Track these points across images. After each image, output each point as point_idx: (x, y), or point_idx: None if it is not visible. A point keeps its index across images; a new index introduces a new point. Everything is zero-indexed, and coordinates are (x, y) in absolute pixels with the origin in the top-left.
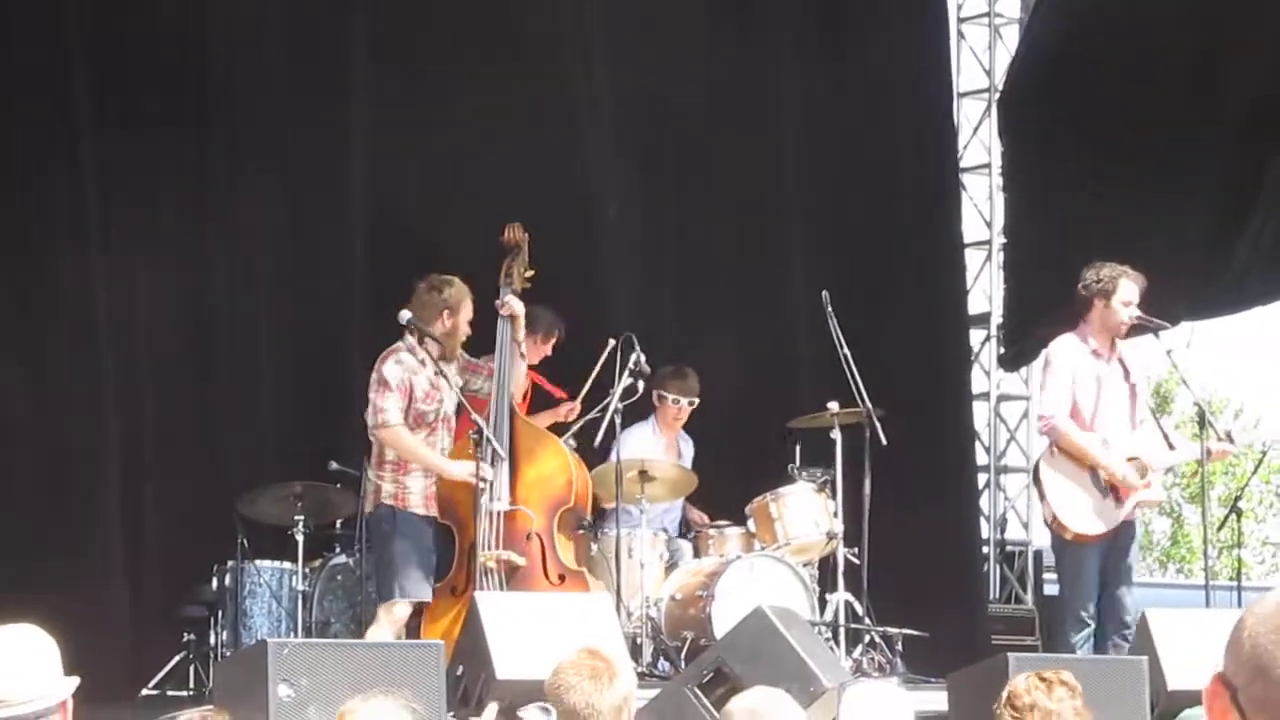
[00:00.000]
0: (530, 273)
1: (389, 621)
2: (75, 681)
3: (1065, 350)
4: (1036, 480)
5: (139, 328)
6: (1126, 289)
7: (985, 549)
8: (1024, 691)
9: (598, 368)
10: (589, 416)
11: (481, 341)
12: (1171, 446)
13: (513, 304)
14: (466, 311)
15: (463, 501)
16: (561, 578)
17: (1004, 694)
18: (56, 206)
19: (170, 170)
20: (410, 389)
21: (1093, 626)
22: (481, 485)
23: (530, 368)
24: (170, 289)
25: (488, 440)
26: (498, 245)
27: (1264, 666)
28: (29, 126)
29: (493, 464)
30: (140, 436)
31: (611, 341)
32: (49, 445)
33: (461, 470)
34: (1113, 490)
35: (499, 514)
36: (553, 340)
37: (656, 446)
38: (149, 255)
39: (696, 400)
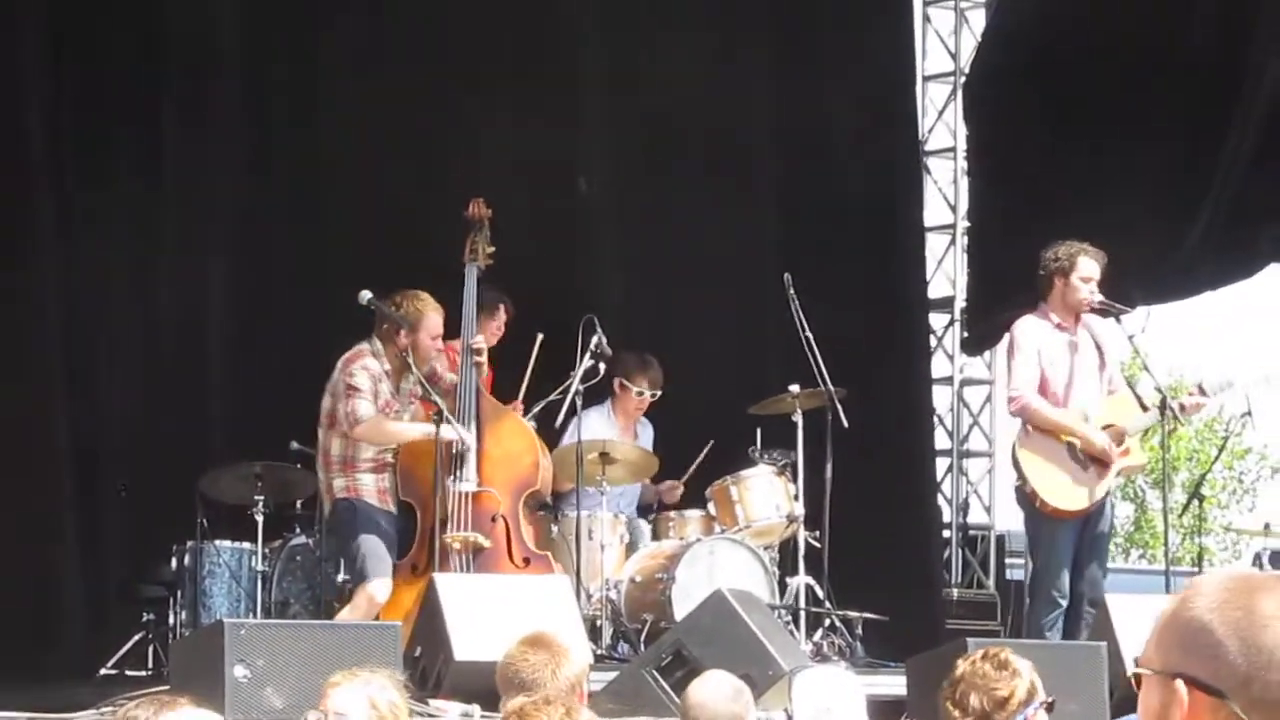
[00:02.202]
0: (491, 249)
1: (367, 602)
2: None
3: (1029, 329)
4: (1015, 463)
5: (95, 311)
6: (1086, 265)
7: (947, 533)
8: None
9: (530, 364)
10: (549, 399)
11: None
12: (1145, 409)
13: (482, 346)
14: (431, 329)
15: (425, 480)
16: (526, 561)
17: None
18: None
19: (126, 157)
20: (375, 395)
21: (1064, 606)
22: (465, 446)
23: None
24: (127, 276)
25: (448, 421)
26: (460, 219)
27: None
28: None
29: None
30: (96, 416)
31: (540, 336)
32: (4, 430)
33: (448, 431)
34: (1094, 462)
35: (466, 495)
36: (499, 316)
37: (611, 431)
38: (101, 242)
39: (660, 391)
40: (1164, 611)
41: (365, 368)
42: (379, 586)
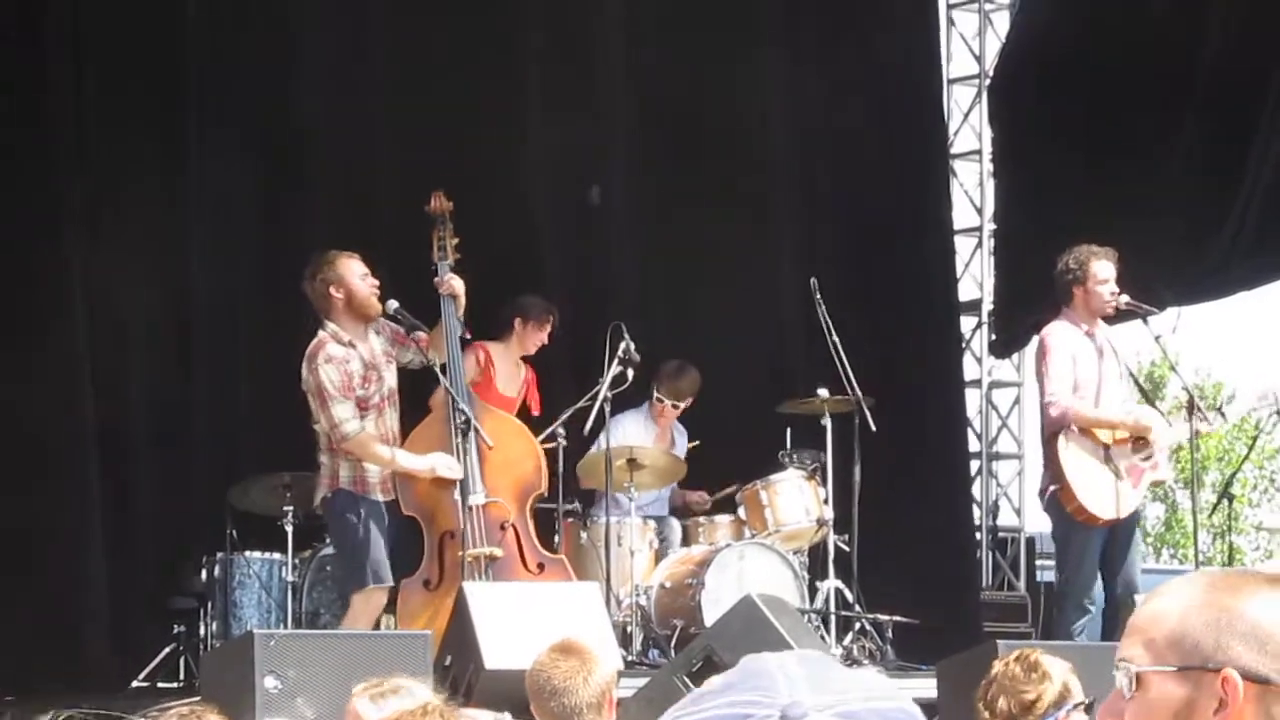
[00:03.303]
0: (456, 240)
1: (365, 610)
2: None
3: (1060, 334)
4: (1054, 463)
5: (121, 318)
6: (1100, 268)
7: (977, 536)
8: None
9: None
10: (578, 406)
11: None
12: (1170, 424)
13: (453, 282)
14: (351, 271)
15: (430, 494)
16: (541, 566)
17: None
18: (36, 197)
19: (151, 158)
20: (349, 379)
21: (1094, 612)
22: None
23: (526, 359)
24: (152, 279)
25: (475, 430)
26: (423, 215)
27: None
28: (6, 116)
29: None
30: (126, 427)
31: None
32: (33, 437)
33: (429, 463)
34: (1128, 474)
35: (477, 508)
36: (548, 327)
37: (648, 434)
38: (130, 244)
39: (688, 401)
40: (1166, 609)
41: (329, 358)
42: (376, 594)
